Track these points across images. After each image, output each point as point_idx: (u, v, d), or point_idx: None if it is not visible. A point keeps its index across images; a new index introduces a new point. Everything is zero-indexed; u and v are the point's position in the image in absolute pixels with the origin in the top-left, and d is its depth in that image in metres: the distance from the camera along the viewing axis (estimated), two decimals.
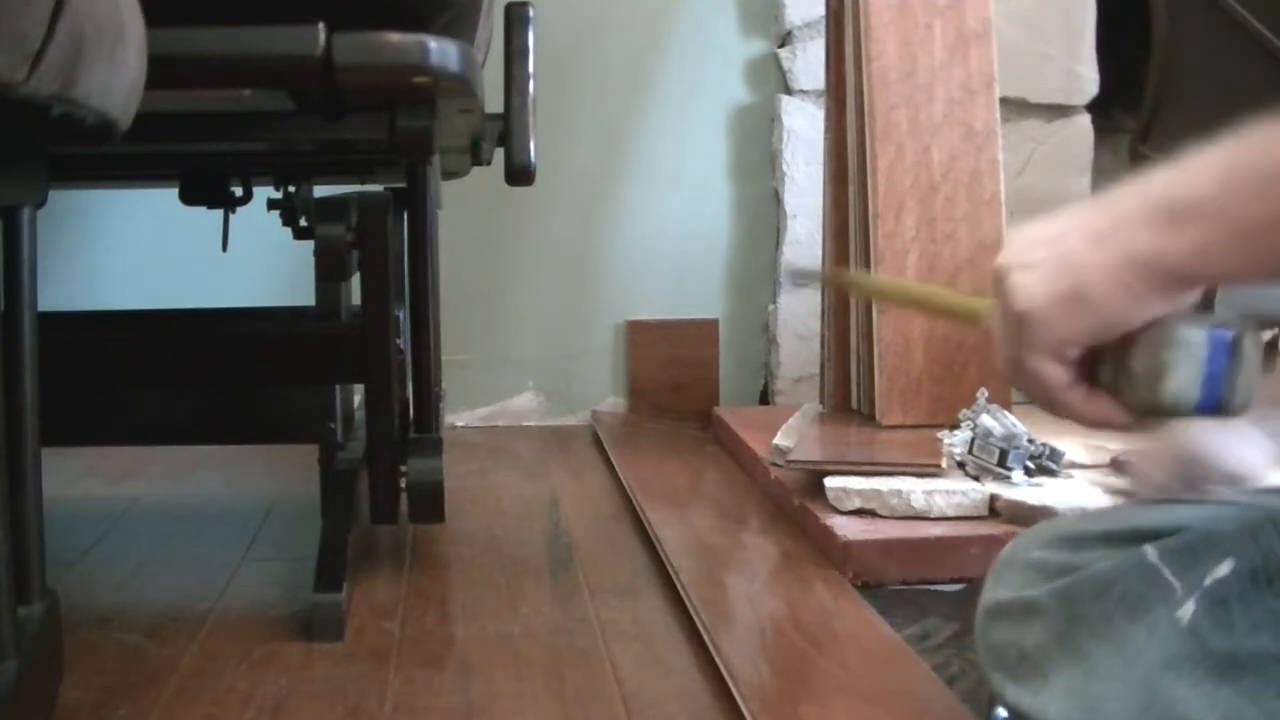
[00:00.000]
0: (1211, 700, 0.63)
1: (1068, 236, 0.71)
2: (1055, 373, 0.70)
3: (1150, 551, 0.67)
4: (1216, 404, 0.70)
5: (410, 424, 1.31)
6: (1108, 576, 0.67)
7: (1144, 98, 1.76)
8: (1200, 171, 0.67)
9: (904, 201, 1.59)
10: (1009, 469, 1.37)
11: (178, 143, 1.22)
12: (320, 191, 1.35)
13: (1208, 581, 0.65)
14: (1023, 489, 1.34)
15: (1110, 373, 0.72)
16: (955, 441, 1.41)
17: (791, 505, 1.40)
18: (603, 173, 2.08)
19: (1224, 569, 0.66)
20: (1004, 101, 1.65)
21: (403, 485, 1.22)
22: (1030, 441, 1.47)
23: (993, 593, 0.75)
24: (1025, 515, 1.35)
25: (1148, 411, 0.72)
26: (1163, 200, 0.68)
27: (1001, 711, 0.94)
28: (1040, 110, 2.03)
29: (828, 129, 1.73)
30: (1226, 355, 0.70)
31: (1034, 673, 0.69)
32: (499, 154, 1.37)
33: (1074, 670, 0.67)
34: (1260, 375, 0.72)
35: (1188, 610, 0.65)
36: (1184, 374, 0.70)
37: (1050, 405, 0.73)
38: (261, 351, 1.24)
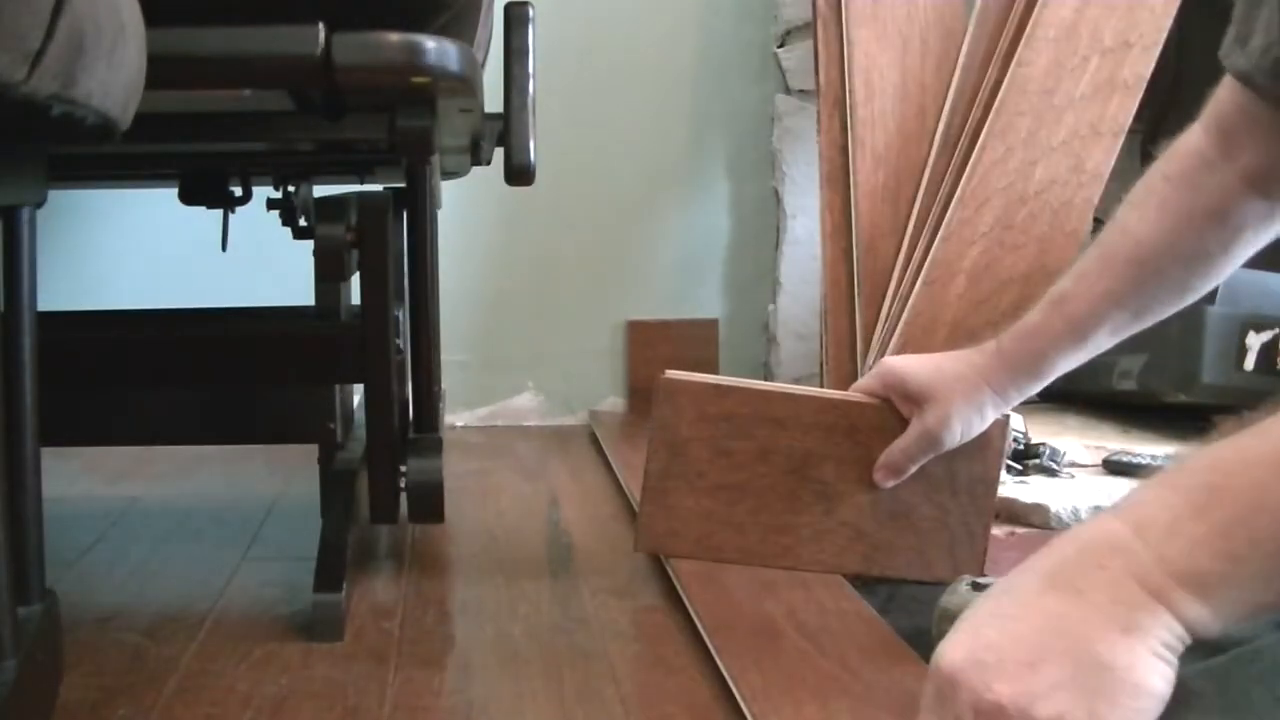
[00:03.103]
0: None
1: (1073, 653, 0.55)
2: None
3: None
4: None
5: (410, 424, 1.32)
6: (1277, 651, 0.56)
7: (1149, 98, 1.75)
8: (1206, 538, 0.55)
9: (990, 198, 1.61)
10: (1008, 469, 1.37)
11: (178, 143, 1.22)
12: (320, 191, 1.35)
13: None
14: (1011, 487, 1.35)
15: None
16: None
17: None
18: (603, 173, 2.08)
19: None
20: None
21: (403, 485, 1.23)
22: (1026, 440, 1.46)
23: None
24: (1019, 514, 1.35)
25: None
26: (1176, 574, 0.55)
27: None
28: None
29: (821, 130, 1.72)
30: None
31: None
32: (499, 154, 1.37)
33: None
34: None
35: None
36: None
37: None
38: (261, 351, 1.24)
